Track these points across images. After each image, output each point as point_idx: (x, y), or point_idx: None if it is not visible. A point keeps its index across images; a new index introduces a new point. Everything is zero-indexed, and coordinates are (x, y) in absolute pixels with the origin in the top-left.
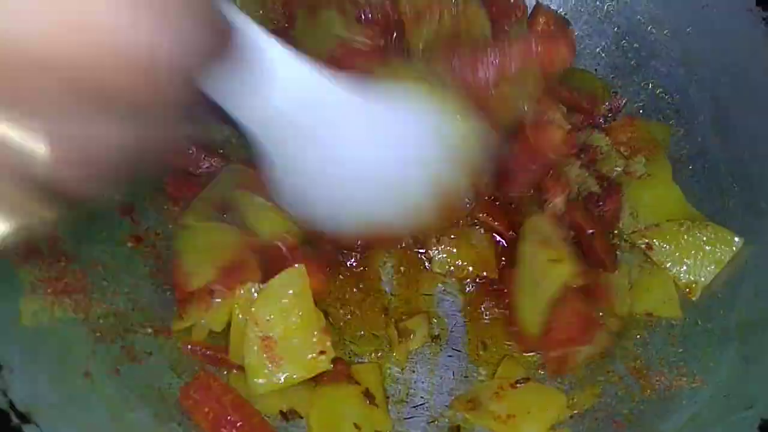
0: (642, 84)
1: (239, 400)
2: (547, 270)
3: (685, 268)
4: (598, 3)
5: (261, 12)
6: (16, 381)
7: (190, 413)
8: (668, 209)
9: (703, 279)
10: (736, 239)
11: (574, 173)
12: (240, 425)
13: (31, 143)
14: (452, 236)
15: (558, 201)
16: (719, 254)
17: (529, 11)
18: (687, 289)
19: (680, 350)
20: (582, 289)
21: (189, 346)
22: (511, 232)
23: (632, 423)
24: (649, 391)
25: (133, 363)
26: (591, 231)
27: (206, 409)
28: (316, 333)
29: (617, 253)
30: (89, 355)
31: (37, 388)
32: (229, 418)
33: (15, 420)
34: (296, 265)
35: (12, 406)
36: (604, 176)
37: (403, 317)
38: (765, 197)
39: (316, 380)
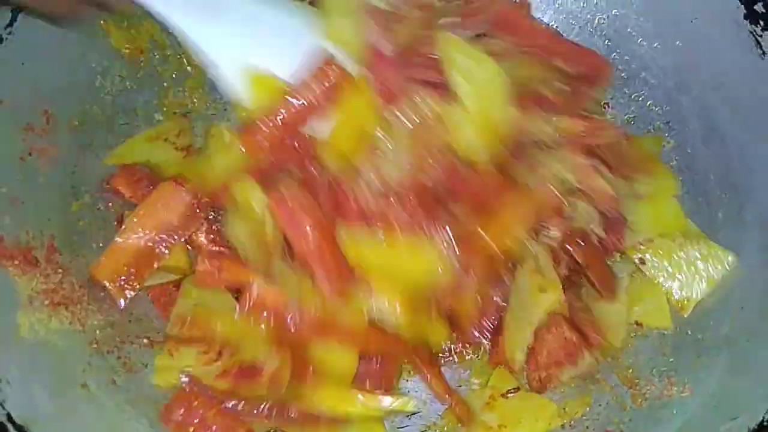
0: (632, 96)
1: (223, 413)
2: (535, 297)
3: (677, 284)
4: (588, 16)
5: None
6: (14, 393)
7: None
8: (666, 223)
9: (694, 296)
10: (730, 258)
11: (582, 209)
12: None
13: None
14: None
15: (554, 232)
16: (712, 272)
17: None
18: (679, 305)
19: (671, 360)
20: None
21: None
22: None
23: None
24: (639, 400)
25: (130, 374)
26: (585, 263)
27: (191, 429)
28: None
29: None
30: (86, 366)
31: (34, 400)
32: None
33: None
34: None
35: (9, 418)
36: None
37: None
38: (753, 209)
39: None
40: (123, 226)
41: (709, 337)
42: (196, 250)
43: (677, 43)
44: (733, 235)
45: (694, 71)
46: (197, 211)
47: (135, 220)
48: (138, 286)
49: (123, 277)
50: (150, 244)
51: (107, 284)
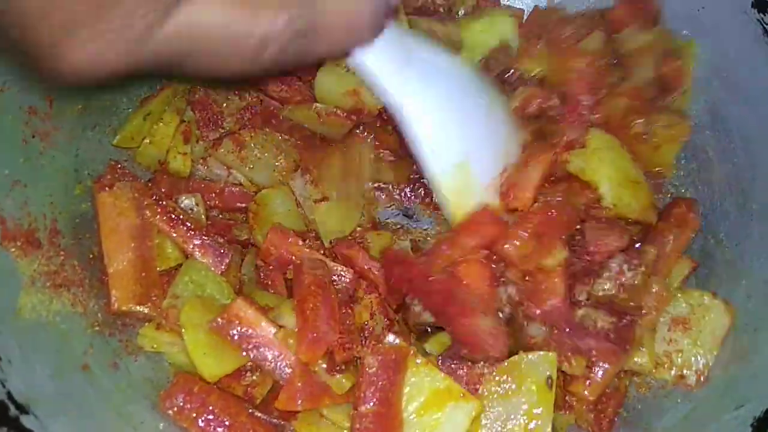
0: None
1: (224, 398)
2: None
3: None
4: (596, 4)
5: None
6: (15, 373)
7: (176, 420)
8: None
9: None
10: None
11: None
12: (229, 424)
13: None
14: None
15: None
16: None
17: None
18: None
19: None
20: None
21: None
22: None
23: (627, 421)
24: (644, 389)
25: (132, 357)
26: None
27: (193, 414)
28: None
29: None
30: (87, 348)
31: (35, 380)
32: (220, 419)
33: (13, 410)
34: None
35: (10, 397)
36: None
37: None
38: (757, 199)
39: None
40: (105, 257)
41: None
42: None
43: (684, 32)
44: (738, 224)
45: (701, 61)
46: (154, 198)
47: (109, 245)
48: (162, 292)
49: (144, 294)
50: (138, 254)
51: (142, 308)
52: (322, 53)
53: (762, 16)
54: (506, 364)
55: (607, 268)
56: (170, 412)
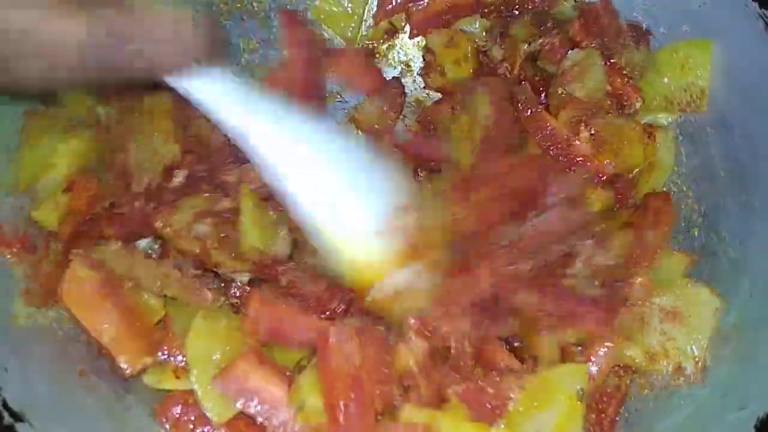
0: None
1: None
2: None
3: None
4: None
5: None
6: (11, 380)
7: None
8: None
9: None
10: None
11: None
12: None
13: None
14: None
15: None
16: None
17: None
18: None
19: None
20: None
21: None
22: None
23: (629, 422)
24: (646, 390)
25: None
26: None
27: (190, 426)
28: None
29: None
30: (84, 354)
31: (31, 387)
32: (217, 430)
33: (8, 419)
34: None
35: (6, 405)
36: None
37: None
38: (760, 196)
39: None
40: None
41: (718, 325)
42: None
43: (684, 27)
44: (740, 222)
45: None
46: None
47: (86, 314)
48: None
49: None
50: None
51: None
52: (142, 66)
53: (764, 11)
54: (537, 380)
55: (577, 255)
56: (167, 425)
